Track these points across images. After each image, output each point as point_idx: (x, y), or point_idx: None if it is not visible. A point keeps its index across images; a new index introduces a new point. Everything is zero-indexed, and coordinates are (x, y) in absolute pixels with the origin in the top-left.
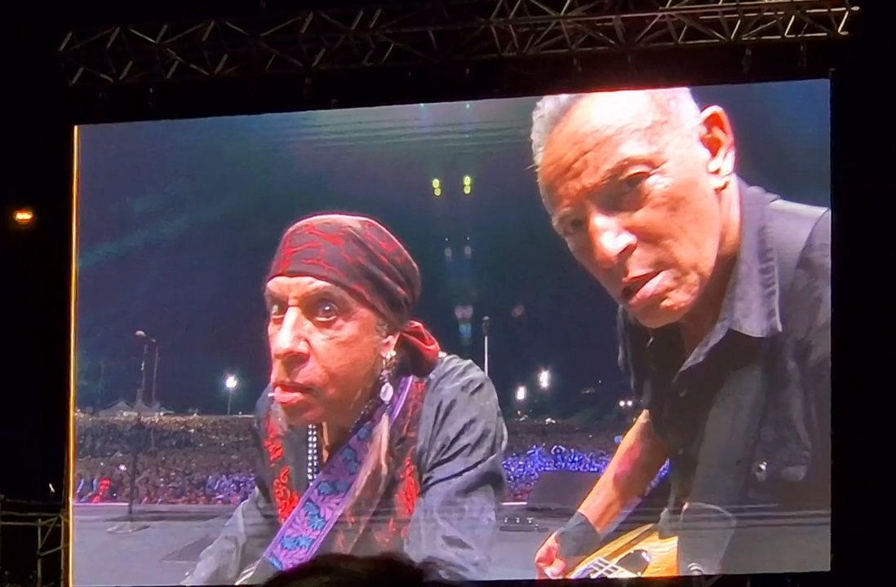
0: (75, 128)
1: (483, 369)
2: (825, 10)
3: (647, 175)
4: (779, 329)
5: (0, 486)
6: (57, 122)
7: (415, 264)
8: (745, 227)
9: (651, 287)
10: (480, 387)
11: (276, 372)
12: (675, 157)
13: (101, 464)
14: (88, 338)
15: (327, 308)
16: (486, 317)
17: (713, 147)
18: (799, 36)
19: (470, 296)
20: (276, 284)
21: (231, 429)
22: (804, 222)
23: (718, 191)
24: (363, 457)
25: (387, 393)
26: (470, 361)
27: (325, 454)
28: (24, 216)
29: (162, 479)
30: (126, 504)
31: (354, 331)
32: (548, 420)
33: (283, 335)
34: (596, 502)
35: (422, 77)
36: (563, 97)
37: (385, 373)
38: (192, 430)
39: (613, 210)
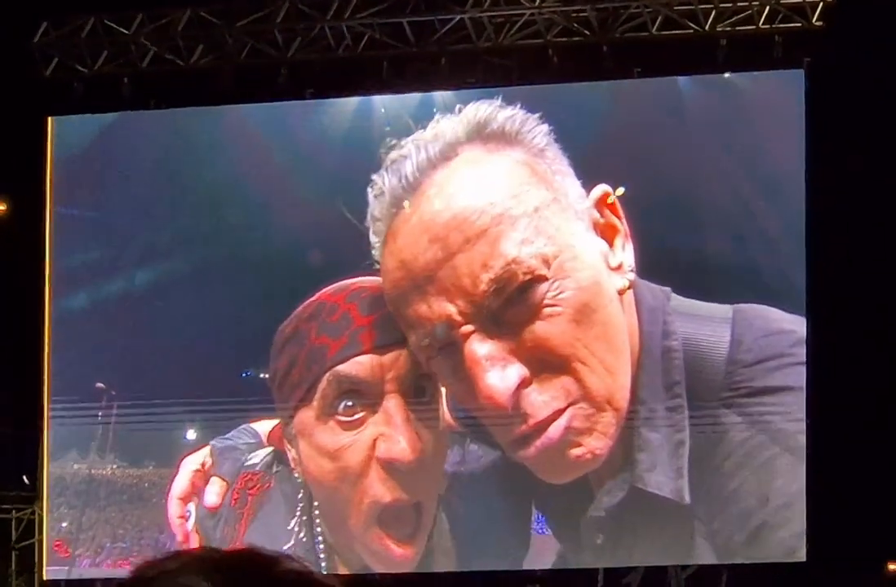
0: (49, 119)
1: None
2: (800, 1)
3: (541, 279)
4: (685, 498)
5: None
6: (31, 113)
7: None
8: (646, 344)
9: (556, 432)
10: None
11: (380, 490)
12: (569, 248)
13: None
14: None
15: (424, 384)
16: None
17: (608, 236)
18: (774, 26)
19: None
20: (359, 366)
21: None
22: (716, 330)
23: (621, 293)
24: None
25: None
26: None
27: None
28: None
29: (108, 539)
30: (65, 568)
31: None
32: None
33: (399, 440)
34: None
35: (397, 67)
36: (408, 167)
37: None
38: (146, 484)
39: (494, 328)
